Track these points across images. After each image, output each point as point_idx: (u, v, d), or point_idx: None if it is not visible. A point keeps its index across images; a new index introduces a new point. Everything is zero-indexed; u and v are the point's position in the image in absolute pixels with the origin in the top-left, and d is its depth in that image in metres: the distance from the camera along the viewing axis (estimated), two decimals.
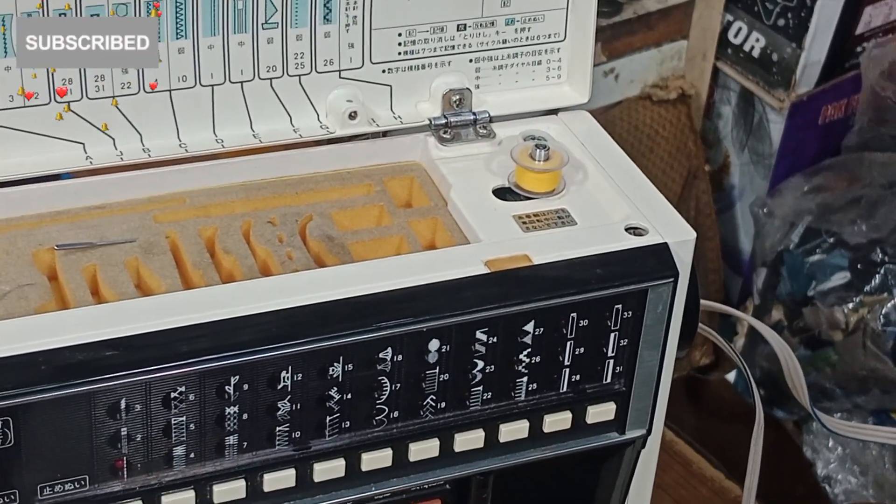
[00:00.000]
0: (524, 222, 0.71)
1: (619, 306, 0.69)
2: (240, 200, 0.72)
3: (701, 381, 1.37)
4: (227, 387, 0.63)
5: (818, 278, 1.21)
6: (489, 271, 0.67)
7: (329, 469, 0.67)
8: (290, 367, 0.64)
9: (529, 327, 0.68)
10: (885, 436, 1.06)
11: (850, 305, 1.19)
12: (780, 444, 1.26)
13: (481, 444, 0.70)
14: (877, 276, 1.18)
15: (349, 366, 0.65)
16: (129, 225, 0.69)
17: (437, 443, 0.69)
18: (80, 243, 0.68)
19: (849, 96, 1.29)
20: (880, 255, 1.18)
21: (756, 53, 1.25)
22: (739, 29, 1.26)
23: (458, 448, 0.70)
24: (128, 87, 0.69)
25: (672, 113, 1.36)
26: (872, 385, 1.18)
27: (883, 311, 1.17)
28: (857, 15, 1.23)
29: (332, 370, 0.65)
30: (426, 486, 0.71)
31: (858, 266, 1.19)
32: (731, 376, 1.39)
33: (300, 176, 0.74)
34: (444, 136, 0.75)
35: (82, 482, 0.63)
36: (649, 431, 0.74)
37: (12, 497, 0.61)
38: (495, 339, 0.67)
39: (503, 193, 0.73)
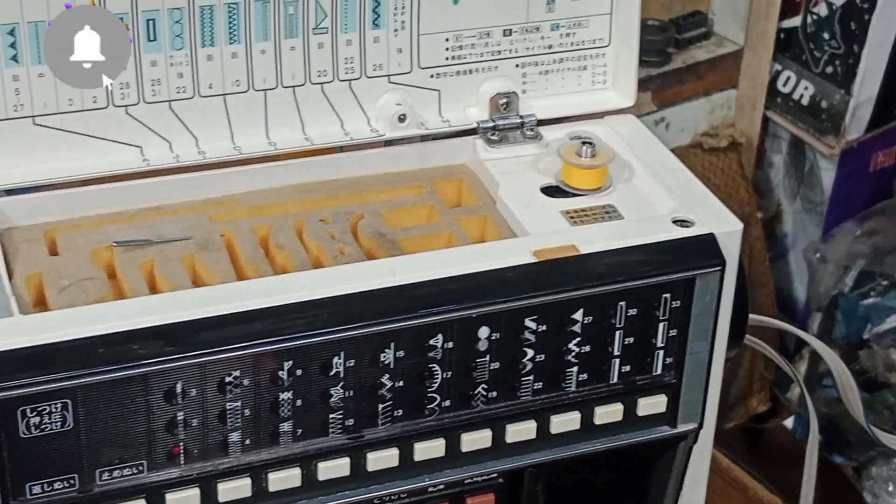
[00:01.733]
0: (572, 217, 0.72)
1: (668, 295, 0.69)
2: (293, 201, 0.73)
3: (759, 429, 1.35)
4: (280, 372, 0.64)
5: (873, 321, 1.21)
6: (537, 260, 0.68)
7: (383, 458, 0.68)
8: (342, 353, 0.65)
9: (578, 315, 0.68)
10: None
11: None
12: (839, 490, 1.25)
13: (533, 436, 0.71)
14: None
15: (400, 352, 0.66)
16: (184, 224, 0.71)
17: (490, 433, 0.70)
18: (137, 240, 0.69)
19: None
20: None
21: (805, 101, 1.25)
22: (788, 78, 1.27)
23: (509, 439, 0.70)
24: (183, 92, 0.71)
25: (723, 161, 1.37)
26: None
27: None
28: None
29: (384, 356, 0.65)
30: (480, 480, 0.72)
31: None
32: (788, 422, 1.38)
33: (351, 178, 0.75)
34: (492, 138, 0.77)
35: (140, 468, 0.64)
36: (701, 425, 0.74)
37: (72, 482, 0.63)
38: (544, 328, 0.68)
39: (551, 191, 0.75)
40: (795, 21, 1.22)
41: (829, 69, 1.22)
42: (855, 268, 1.24)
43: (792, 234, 1.36)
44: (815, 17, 1.20)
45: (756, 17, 1.22)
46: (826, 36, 1.21)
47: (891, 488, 1.23)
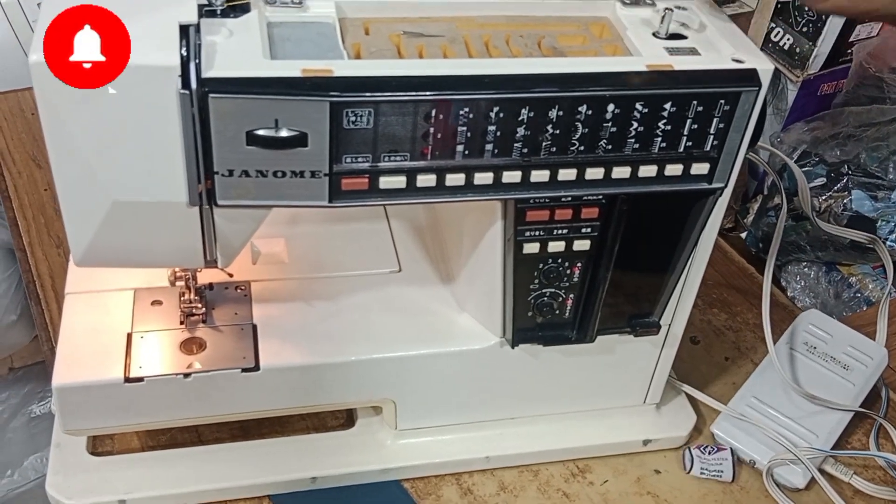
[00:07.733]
0: (670, 51, 0.72)
1: (722, 101, 0.69)
2: (503, 24, 0.74)
3: (726, 237, 1.32)
4: (490, 113, 0.65)
5: (806, 180, 1.24)
6: (648, 69, 0.68)
7: (539, 175, 0.69)
8: (527, 107, 0.66)
9: (667, 105, 0.68)
10: None
11: (823, 197, 1.18)
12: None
13: (627, 176, 0.71)
14: (841, 181, 1.18)
15: (560, 112, 0.67)
16: (442, 28, 0.73)
17: (603, 170, 0.70)
18: (415, 32, 0.72)
19: (838, 80, 1.27)
20: (846, 169, 1.18)
21: (786, 47, 1.24)
22: (778, 31, 1.25)
23: (614, 176, 0.71)
24: None
25: None
26: (829, 245, 1.18)
27: (843, 202, 1.17)
28: (852, 29, 1.22)
29: (550, 113, 0.67)
30: (591, 198, 0.73)
31: (832, 175, 1.18)
32: (743, 235, 1.34)
33: (541, 15, 0.76)
34: (626, 2, 0.77)
35: (406, 157, 0.66)
36: (726, 185, 0.73)
37: (367, 158, 0.66)
38: (646, 110, 0.68)
39: (658, 35, 0.74)
40: None
41: (805, 29, 1.20)
42: (799, 149, 1.25)
43: (765, 126, 1.37)
44: None
45: None
46: (806, 8, 1.19)
47: (798, 278, 1.24)
